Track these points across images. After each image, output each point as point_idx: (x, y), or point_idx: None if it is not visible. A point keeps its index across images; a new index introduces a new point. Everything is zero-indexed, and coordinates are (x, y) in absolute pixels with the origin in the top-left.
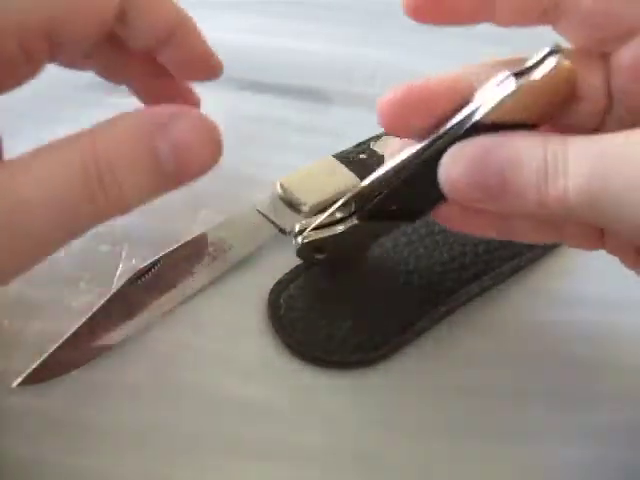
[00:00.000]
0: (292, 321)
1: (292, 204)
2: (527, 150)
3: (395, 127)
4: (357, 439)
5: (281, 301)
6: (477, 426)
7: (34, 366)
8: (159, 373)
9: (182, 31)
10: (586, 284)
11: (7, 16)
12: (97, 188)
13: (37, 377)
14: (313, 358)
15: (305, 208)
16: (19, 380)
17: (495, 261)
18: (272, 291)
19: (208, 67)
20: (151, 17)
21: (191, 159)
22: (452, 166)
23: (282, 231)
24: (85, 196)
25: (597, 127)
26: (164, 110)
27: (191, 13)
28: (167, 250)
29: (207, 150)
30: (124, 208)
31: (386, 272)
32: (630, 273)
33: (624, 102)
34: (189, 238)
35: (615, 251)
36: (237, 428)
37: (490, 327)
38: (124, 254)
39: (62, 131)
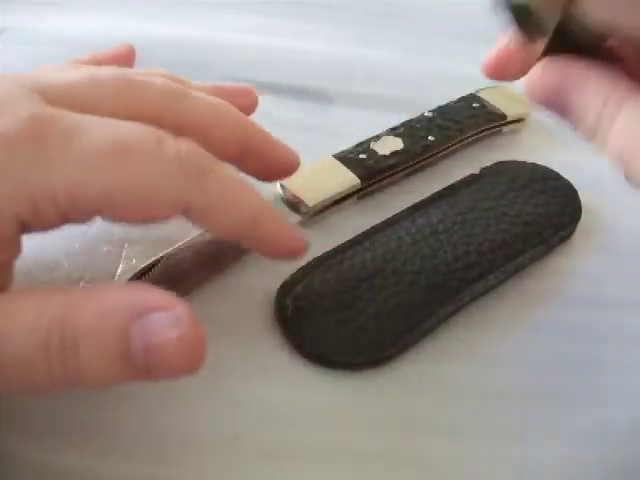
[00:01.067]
0: (299, 322)
1: (292, 204)
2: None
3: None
4: (361, 440)
5: (288, 302)
6: (477, 426)
7: None
8: None
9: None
10: (586, 284)
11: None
12: (56, 361)
13: None
14: (320, 359)
15: (305, 208)
16: None
17: (499, 260)
18: (278, 292)
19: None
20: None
21: (163, 362)
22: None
23: None
24: (42, 365)
25: None
26: (148, 297)
27: (191, 13)
28: (167, 250)
29: (182, 358)
30: (82, 385)
31: (392, 273)
32: (630, 273)
33: None
34: (189, 238)
35: None
36: (238, 428)
37: (492, 326)
38: (124, 254)
39: None
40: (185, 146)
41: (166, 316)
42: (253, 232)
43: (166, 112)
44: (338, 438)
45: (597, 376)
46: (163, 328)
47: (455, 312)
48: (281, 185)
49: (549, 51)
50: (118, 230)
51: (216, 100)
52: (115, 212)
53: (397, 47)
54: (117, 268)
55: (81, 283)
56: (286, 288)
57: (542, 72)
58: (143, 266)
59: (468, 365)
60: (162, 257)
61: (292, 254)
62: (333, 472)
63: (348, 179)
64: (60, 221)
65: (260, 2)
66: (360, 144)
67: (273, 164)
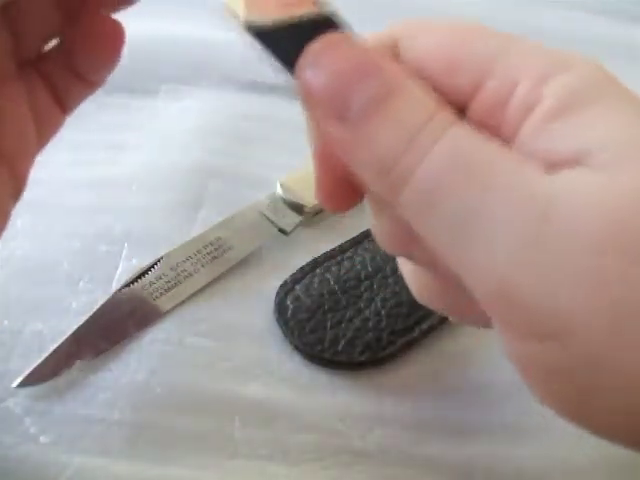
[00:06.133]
0: (299, 322)
1: (292, 204)
2: (411, 101)
3: None
4: (361, 439)
5: (288, 302)
6: (477, 426)
7: (34, 366)
8: (159, 373)
9: None
10: None
11: None
12: None
13: (37, 377)
14: (320, 359)
15: (305, 208)
16: (19, 380)
17: None
18: (278, 292)
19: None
20: None
21: None
22: (319, 59)
23: (282, 231)
24: None
25: None
26: None
27: (192, 14)
28: (167, 250)
29: None
30: None
31: (392, 273)
32: None
33: None
34: (189, 238)
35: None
36: (238, 428)
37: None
38: (124, 254)
39: (63, 130)
40: None
41: None
42: None
43: None
44: (338, 438)
45: None
46: None
47: None
48: (281, 185)
49: None
50: (118, 230)
51: None
52: None
53: None
54: (117, 268)
55: (81, 283)
56: (286, 288)
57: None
58: (142, 266)
59: (468, 365)
60: (162, 257)
61: None
62: (333, 471)
63: None
64: None
65: None
66: None
67: (102, 26)
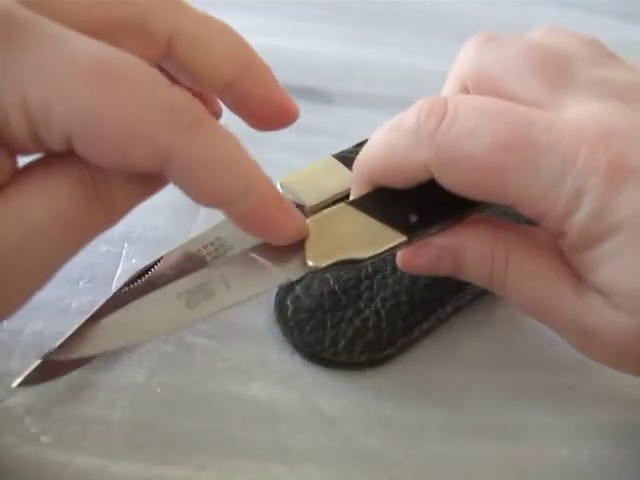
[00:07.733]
0: (299, 322)
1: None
2: (475, 258)
3: None
4: (361, 439)
5: (288, 302)
6: (477, 426)
7: (34, 366)
8: (159, 373)
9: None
10: None
11: None
12: (97, 204)
13: (37, 377)
14: (320, 359)
15: (305, 208)
16: (19, 380)
17: None
18: (278, 292)
19: (277, 115)
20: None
21: None
22: (412, 261)
23: None
24: (88, 213)
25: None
26: None
27: None
28: (167, 250)
29: None
30: (119, 218)
31: (392, 272)
32: None
33: None
34: (189, 238)
35: None
36: (238, 428)
37: (493, 327)
38: (124, 254)
39: None
40: (180, 93)
41: None
42: (241, 203)
43: (152, 19)
44: (338, 438)
45: (597, 376)
46: None
47: (456, 311)
48: (281, 185)
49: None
50: (118, 230)
51: (208, 14)
52: (87, 142)
53: (397, 47)
54: (117, 268)
55: (81, 283)
56: (286, 288)
57: (416, 249)
58: (142, 266)
59: (468, 365)
60: (162, 257)
61: (286, 236)
62: (333, 472)
63: (348, 179)
64: (31, 139)
65: (260, 2)
66: (360, 144)
67: (271, 103)
